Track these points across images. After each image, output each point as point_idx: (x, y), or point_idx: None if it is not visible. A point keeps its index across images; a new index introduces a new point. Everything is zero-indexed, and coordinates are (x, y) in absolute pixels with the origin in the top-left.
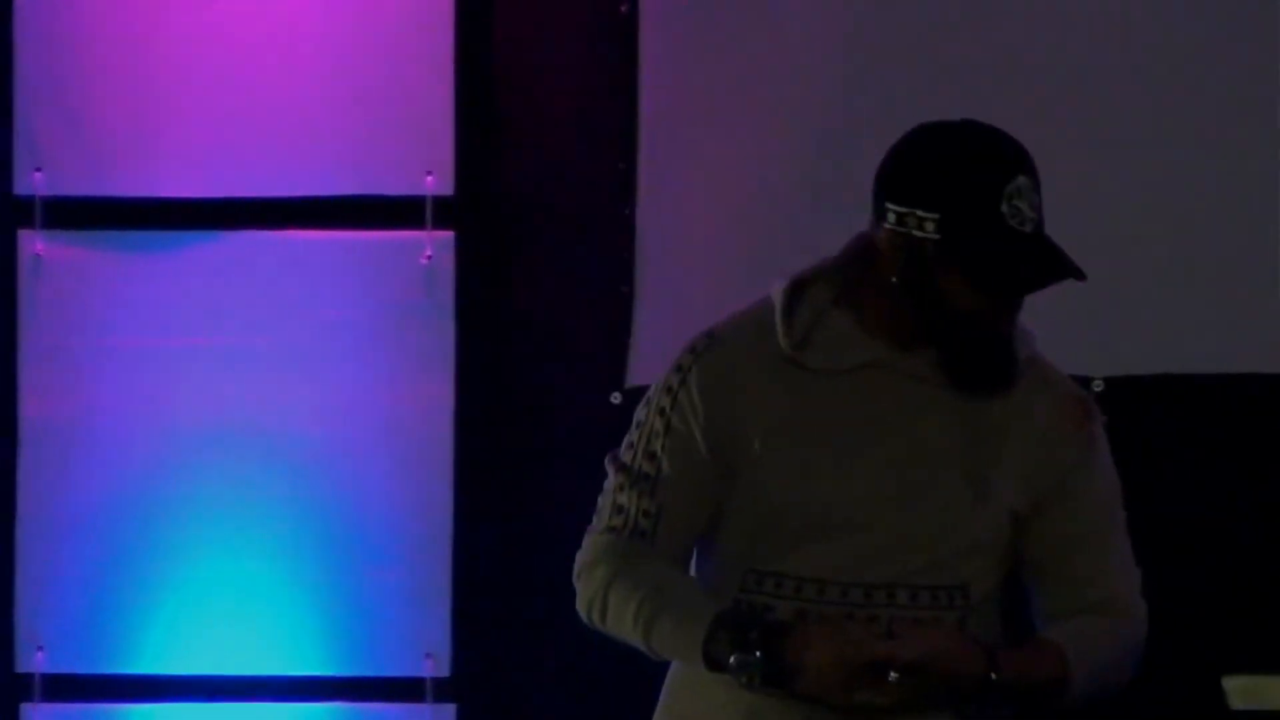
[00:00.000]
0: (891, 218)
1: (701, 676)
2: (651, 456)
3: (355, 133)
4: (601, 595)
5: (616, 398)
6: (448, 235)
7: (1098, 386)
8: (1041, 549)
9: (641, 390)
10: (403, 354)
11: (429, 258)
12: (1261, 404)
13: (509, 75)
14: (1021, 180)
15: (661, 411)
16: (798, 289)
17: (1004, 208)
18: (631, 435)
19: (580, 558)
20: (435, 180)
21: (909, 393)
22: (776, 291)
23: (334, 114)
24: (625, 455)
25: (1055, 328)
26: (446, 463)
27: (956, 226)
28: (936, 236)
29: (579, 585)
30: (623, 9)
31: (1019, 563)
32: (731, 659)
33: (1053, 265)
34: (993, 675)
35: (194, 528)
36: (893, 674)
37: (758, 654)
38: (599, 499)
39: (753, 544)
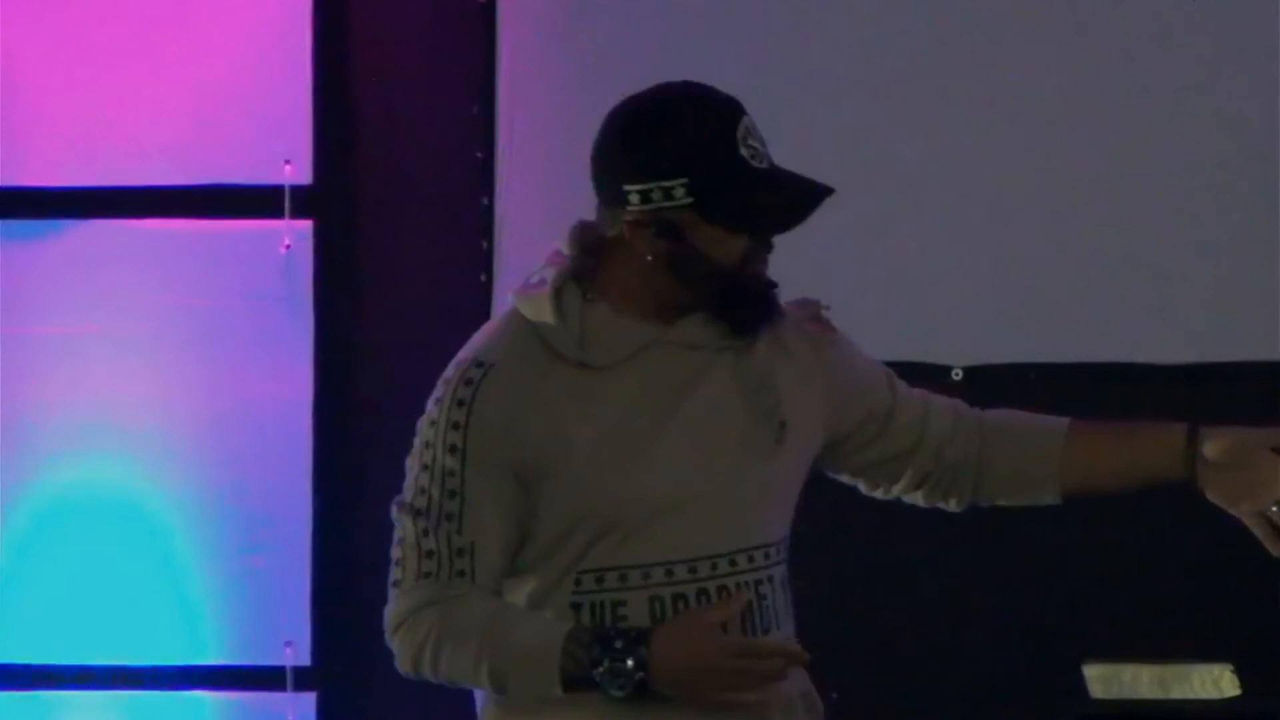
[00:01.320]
0: (634, 198)
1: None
2: (452, 494)
3: (213, 121)
4: (432, 645)
5: None
6: (306, 225)
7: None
8: (881, 433)
9: None
10: (261, 343)
11: (288, 247)
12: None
13: (367, 63)
14: (746, 120)
15: (452, 449)
16: (556, 296)
17: (742, 151)
18: (420, 480)
19: (395, 612)
20: (294, 169)
21: (687, 361)
22: (524, 301)
23: (192, 103)
24: (418, 501)
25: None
26: (305, 451)
27: (707, 185)
28: (689, 200)
29: (398, 641)
30: None
31: (879, 472)
32: (600, 668)
33: (810, 188)
34: None
35: (50, 516)
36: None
37: (629, 662)
38: (395, 551)
39: (585, 548)
